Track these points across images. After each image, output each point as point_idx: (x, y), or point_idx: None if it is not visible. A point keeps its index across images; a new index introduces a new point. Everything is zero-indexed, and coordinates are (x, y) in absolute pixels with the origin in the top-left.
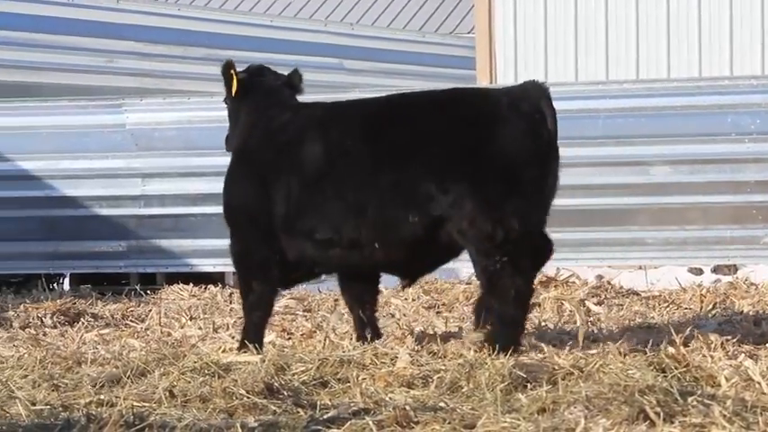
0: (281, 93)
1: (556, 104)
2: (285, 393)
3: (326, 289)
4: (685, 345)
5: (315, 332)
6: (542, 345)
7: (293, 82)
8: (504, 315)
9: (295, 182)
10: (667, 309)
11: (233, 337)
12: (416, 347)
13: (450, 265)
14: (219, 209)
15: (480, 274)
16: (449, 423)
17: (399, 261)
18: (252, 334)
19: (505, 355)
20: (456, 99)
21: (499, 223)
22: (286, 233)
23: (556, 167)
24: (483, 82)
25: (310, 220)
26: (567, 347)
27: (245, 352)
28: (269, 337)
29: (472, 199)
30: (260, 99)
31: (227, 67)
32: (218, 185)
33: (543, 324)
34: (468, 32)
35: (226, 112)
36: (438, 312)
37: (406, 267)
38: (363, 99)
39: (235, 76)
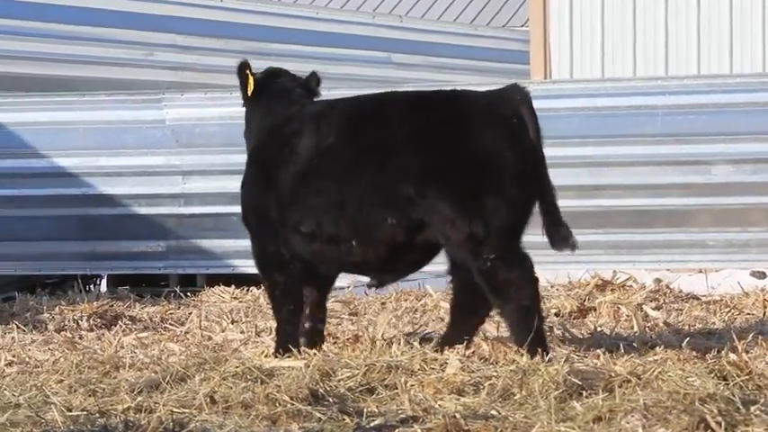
0: (293, 94)
1: (613, 101)
2: (330, 400)
3: (373, 292)
4: (747, 351)
5: (361, 336)
6: (598, 351)
7: (310, 84)
8: (513, 311)
9: (285, 178)
10: (729, 314)
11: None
12: (467, 353)
13: None
14: None
15: (478, 278)
16: None
17: (374, 262)
18: (285, 334)
19: (532, 344)
20: (431, 100)
21: (476, 223)
22: (284, 229)
23: (541, 173)
24: (537, 77)
25: (297, 215)
26: (624, 354)
27: (283, 355)
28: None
29: (447, 202)
30: (272, 100)
31: (242, 67)
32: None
33: (599, 329)
34: (522, 25)
35: None
36: (490, 316)
37: (380, 268)
38: (359, 96)
39: (250, 77)
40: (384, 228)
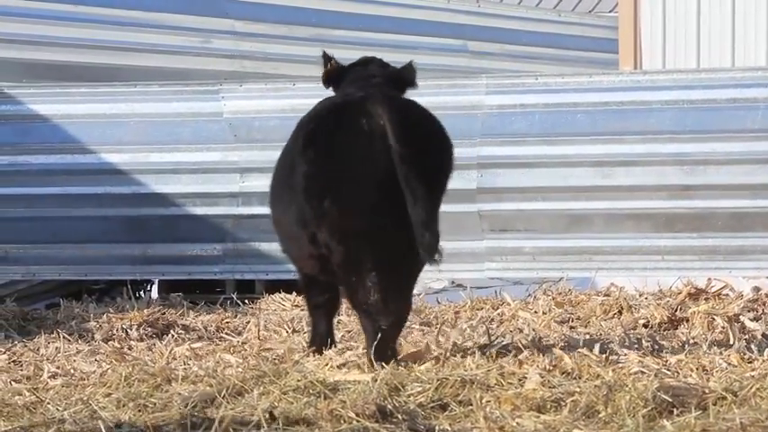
0: (359, 84)
1: (710, 93)
2: (400, 417)
3: (446, 300)
4: None
5: (433, 348)
6: (691, 365)
7: (403, 75)
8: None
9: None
10: None
11: (342, 353)
12: (547, 367)
13: (587, 274)
14: None
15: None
16: None
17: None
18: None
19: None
20: (318, 106)
21: (318, 225)
22: None
23: (408, 178)
24: (626, 67)
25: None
26: (719, 369)
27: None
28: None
29: (298, 207)
30: (337, 90)
31: (324, 58)
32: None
33: (692, 341)
34: (610, 11)
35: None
36: (572, 327)
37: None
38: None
39: (329, 66)
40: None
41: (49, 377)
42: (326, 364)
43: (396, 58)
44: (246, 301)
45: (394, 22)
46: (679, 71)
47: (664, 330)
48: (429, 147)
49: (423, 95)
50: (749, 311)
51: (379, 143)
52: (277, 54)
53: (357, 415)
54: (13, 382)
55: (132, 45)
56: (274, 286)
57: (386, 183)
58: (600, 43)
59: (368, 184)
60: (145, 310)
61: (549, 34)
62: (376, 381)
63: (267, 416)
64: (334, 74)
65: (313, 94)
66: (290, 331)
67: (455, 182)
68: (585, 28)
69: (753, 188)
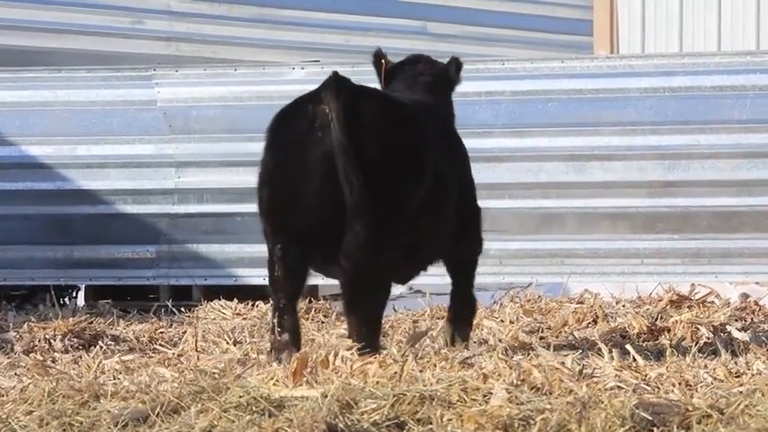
0: (407, 82)
1: (694, 80)
2: None
3: (404, 308)
4: None
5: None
6: (672, 380)
7: (449, 72)
8: None
9: None
10: None
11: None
12: (515, 381)
13: (558, 279)
14: None
15: None
16: None
17: None
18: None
19: None
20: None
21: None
22: None
23: (345, 169)
24: (602, 51)
25: None
26: (704, 383)
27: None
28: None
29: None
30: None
31: (375, 56)
32: None
33: (674, 353)
34: None
35: (280, 88)
36: (542, 338)
37: None
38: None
39: (383, 65)
40: None
41: None
42: (272, 379)
43: (346, 41)
44: (183, 308)
45: (347, 1)
46: (660, 56)
47: (643, 341)
48: (377, 139)
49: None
50: (737, 320)
51: (324, 133)
52: (216, 36)
53: None
54: None
55: (56, 26)
56: (213, 292)
57: (326, 175)
58: (573, 25)
59: (304, 177)
60: (70, 319)
61: (517, 15)
62: (326, 396)
63: None
64: (388, 73)
65: (256, 81)
66: (230, 342)
67: None
68: (557, 8)
69: (740, 185)
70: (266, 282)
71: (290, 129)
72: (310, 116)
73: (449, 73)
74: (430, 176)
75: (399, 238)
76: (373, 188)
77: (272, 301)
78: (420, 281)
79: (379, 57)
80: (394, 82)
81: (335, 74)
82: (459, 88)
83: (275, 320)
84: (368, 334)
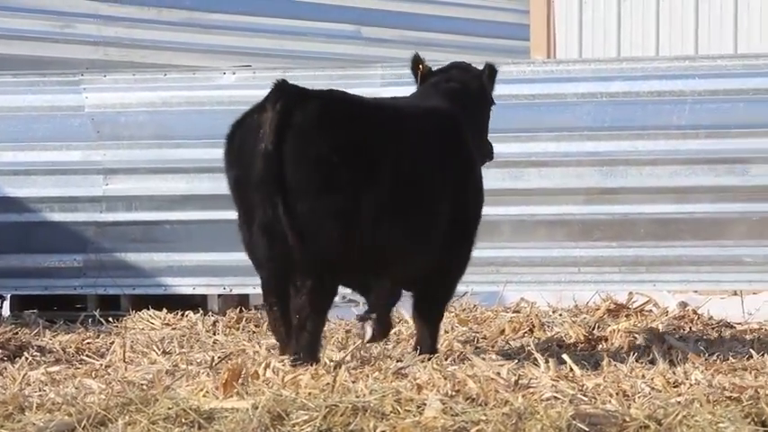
0: (426, 88)
1: (632, 85)
2: None
3: (336, 317)
4: None
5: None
6: (610, 390)
7: (482, 79)
8: None
9: None
10: None
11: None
12: (449, 392)
13: (494, 288)
14: (202, 214)
15: None
16: None
17: None
18: None
19: None
20: None
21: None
22: None
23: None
24: (538, 56)
25: None
26: (642, 393)
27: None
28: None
29: None
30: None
31: (413, 62)
32: (200, 185)
33: (611, 363)
34: None
35: (210, 93)
36: (477, 348)
37: None
38: None
39: (420, 70)
40: None
41: None
42: (201, 390)
43: (279, 45)
44: (110, 318)
45: (278, 4)
46: (597, 61)
47: (580, 351)
48: (317, 140)
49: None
50: (675, 329)
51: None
52: (146, 40)
53: None
54: None
55: None
56: (142, 302)
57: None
58: (509, 29)
59: (251, 188)
60: None
61: (453, 19)
62: (257, 408)
63: None
64: (423, 78)
65: (186, 86)
66: (159, 353)
67: None
68: (493, 12)
69: (679, 191)
70: (196, 291)
71: (239, 138)
72: (256, 125)
73: (481, 80)
74: (386, 178)
75: (335, 236)
76: (308, 193)
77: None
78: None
79: (416, 62)
80: (421, 87)
81: (280, 81)
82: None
83: (272, 330)
84: (308, 346)
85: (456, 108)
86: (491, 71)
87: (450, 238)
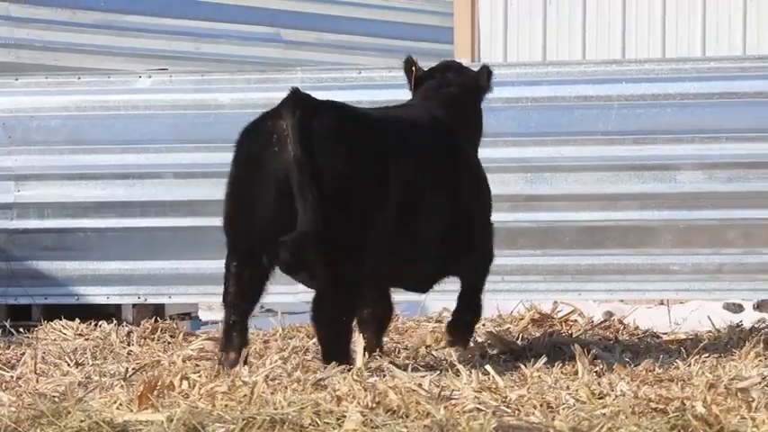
0: (427, 92)
1: (557, 89)
2: None
3: (254, 327)
4: (718, 403)
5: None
6: (534, 401)
7: (479, 80)
8: None
9: None
10: (696, 356)
11: (131, 387)
12: (370, 404)
13: (417, 297)
14: (117, 222)
15: None
16: None
17: None
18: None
19: None
20: None
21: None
22: None
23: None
24: (463, 59)
25: None
26: (566, 405)
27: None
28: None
29: None
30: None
31: (406, 63)
32: (115, 191)
33: (535, 375)
34: None
35: (126, 97)
36: (398, 358)
37: None
38: None
39: (414, 72)
40: None
41: None
42: (115, 402)
43: (196, 48)
44: (21, 329)
45: (196, 7)
46: (522, 65)
47: (504, 361)
48: (333, 152)
49: (231, 91)
50: (600, 340)
51: (280, 149)
52: (58, 43)
53: None
54: None
55: None
56: (54, 312)
57: (280, 191)
58: (433, 32)
59: (259, 192)
60: None
61: (375, 22)
62: (172, 420)
63: None
64: (417, 81)
65: (100, 89)
66: (72, 364)
67: None
68: (416, 14)
69: (605, 198)
70: (110, 300)
71: (250, 144)
72: (269, 132)
73: (477, 82)
74: (395, 190)
75: (357, 248)
76: (328, 203)
77: (223, 317)
78: (270, 299)
79: (409, 63)
80: (417, 92)
81: (295, 90)
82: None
83: (224, 337)
84: (334, 344)
85: (453, 116)
86: (488, 73)
87: (466, 236)
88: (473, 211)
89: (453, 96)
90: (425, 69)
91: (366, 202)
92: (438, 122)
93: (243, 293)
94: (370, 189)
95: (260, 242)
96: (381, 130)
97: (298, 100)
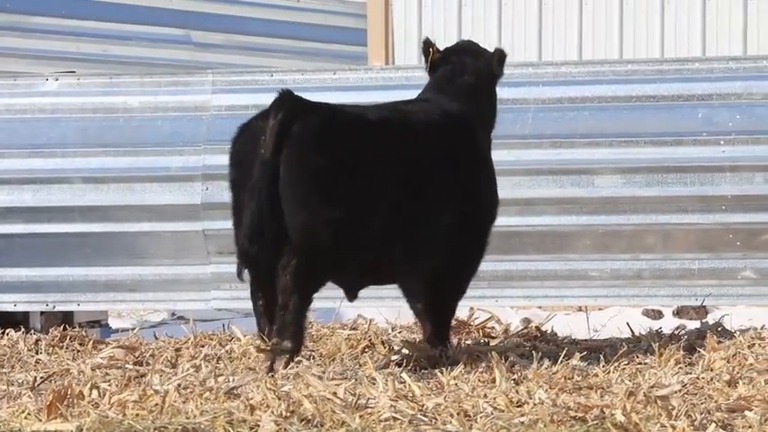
0: (440, 83)
1: None
2: None
3: (165, 335)
4: (638, 411)
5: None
6: (450, 410)
7: (491, 67)
8: None
9: None
10: (615, 363)
11: (39, 396)
12: (284, 413)
13: (330, 304)
14: (24, 227)
15: None
16: None
17: None
18: None
19: None
20: None
21: None
22: None
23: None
24: (376, 62)
25: None
26: (483, 413)
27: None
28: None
29: None
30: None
31: (425, 44)
32: (22, 196)
33: (452, 383)
34: None
35: (32, 100)
36: (312, 366)
37: None
38: None
39: (431, 53)
40: None
41: None
42: (23, 412)
43: (104, 50)
44: None
45: (104, 8)
46: None
47: (420, 369)
48: (307, 158)
49: (141, 94)
50: (518, 347)
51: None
52: None
53: None
54: None
55: None
56: None
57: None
58: (346, 34)
59: (237, 186)
60: None
61: (286, 23)
62: (81, 430)
63: None
64: (434, 64)
65: (6, 92)
66: None
67: (176, 196)
68: (329, 16)
69: (522, 203)
70: (17, 308)
71: (241, 145)
72: (258, 133)
73: (491, 67)
74: (386, 191)
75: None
76: (302, 204)
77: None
78: (182, 306)
79: (427, 45)
80: (432, 78)
81: (285, 91)
82: (226, 100)
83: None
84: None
85: (469, 109)
86: (501, 57)
87: (461, 239)
88: (470, 211)
89: (469, 87)
90: (441, 51)
91: (345, 202)
92: (445, 123)
93: (253, 297)
94: (351, 189)
95: (249, 244)
96: (369, 133)
97: (285, 101)
